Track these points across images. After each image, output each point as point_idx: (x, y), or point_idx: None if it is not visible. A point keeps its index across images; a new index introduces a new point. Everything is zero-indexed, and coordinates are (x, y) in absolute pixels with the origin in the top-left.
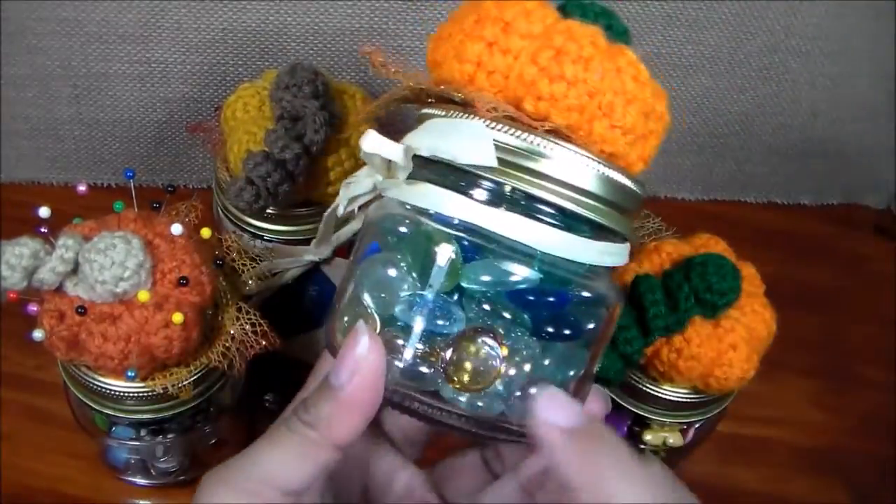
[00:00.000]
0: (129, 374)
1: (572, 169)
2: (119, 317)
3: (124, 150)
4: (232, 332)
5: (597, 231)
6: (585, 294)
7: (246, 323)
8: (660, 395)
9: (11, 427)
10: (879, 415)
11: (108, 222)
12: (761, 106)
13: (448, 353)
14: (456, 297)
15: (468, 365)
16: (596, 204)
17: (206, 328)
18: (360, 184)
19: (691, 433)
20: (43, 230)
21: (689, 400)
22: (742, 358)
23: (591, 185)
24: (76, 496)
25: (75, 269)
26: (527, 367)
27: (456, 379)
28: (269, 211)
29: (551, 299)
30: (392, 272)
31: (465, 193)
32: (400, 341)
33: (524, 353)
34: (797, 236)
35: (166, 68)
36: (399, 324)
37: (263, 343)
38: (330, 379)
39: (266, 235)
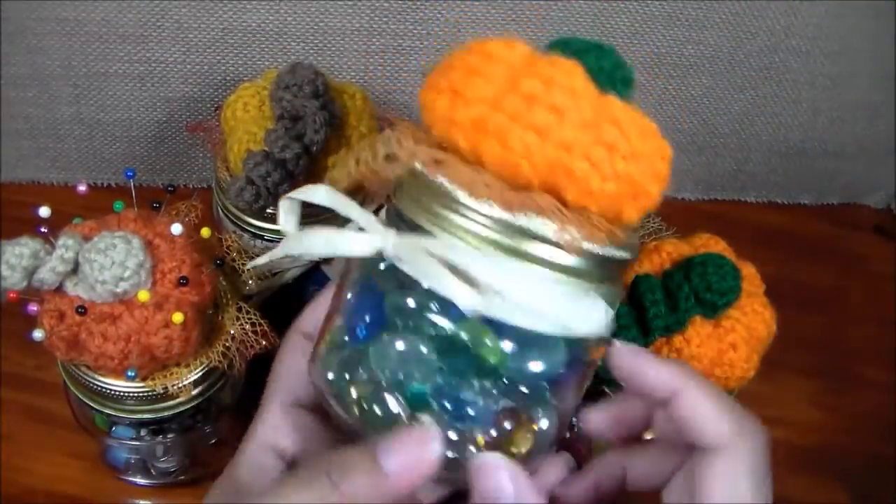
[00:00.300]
0: (129, 374)
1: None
2: (119, 317)
3: (124, 150)
4: (232, 332)
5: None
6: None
7: (246, 323)
8: None
9: (11, 427)
10: (879, 415)
11: (108, 222)
12: (761, 106)
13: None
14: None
15: (523, 444)
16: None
17: (206, 328)
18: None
19: None
20: (43, 230)
21: None
22: (742, 358)
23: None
24: (76, 496)
25: (75, 269)
26: (545, 425)
27: (514, 451)
28: (269, 211)
29: (561, 371)
30: (422, 368)
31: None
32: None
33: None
34: (797, 236)
35: (166, 68)
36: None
37: (263, 343)
38: (382, 459)
39: (266, 235)
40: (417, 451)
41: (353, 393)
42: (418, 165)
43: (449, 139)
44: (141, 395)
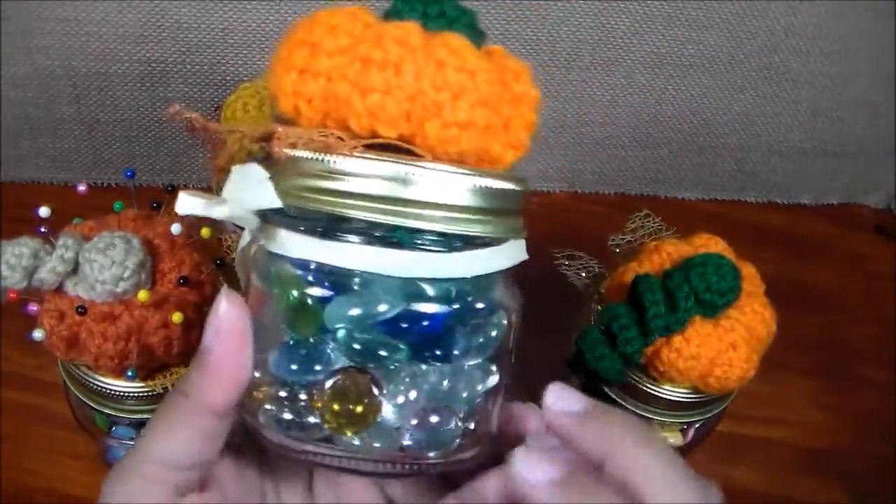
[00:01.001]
0: (129, 373)
1: (429, 186)
2: (119, 316)
3: (124, 150)
4: None
5: (474, 241)
6: (478, 305)
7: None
8: (660, 394)
9: (11, 427)
10: (879, 415)
11: (108, 222)
12: (761, 106)
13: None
14: (329, 341)
15: (336, 406)
16: (463, 216)
17: None
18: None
19: (691, 433)
20: (43, 230)
21: (689, 400)
22: (742, 358)
23: (450, 197)
24: (76, 496)
25: (75, 269)
26: (413, 395)
27: (329, 420)
28: None
29: (425, 322)
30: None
31: (330, 232)
32: (282, 393)
33: (407, 381)
34: (797, 236)
35: (166, 68)
36: (280, 378)
37: None
38: (200, 346)
39: None
40: (215, 315)
41: (319, 402)
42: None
43: (296, 112)
44: (141, 394)
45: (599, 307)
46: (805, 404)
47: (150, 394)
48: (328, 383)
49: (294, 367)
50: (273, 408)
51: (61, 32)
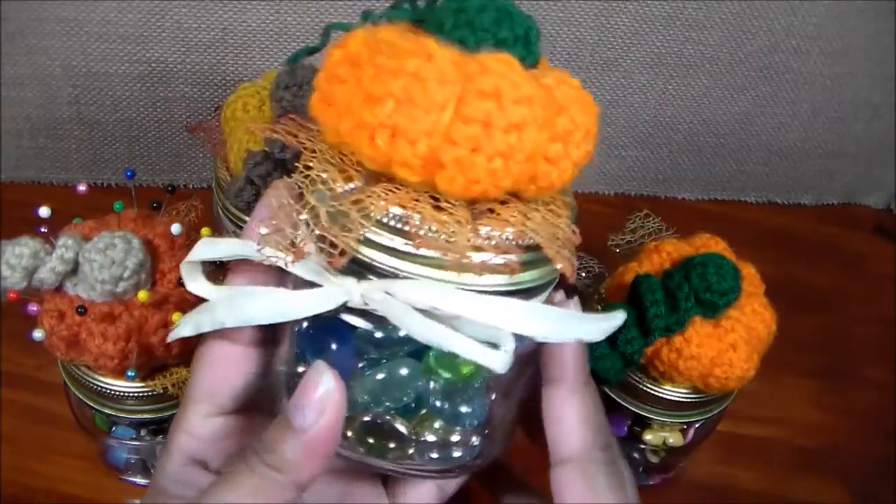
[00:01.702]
0: (129, 373)
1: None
2: (119, 316)
3: (124, 150)
4: None
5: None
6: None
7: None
8: (660, 394)
9: (11, 427)
10: (879, 415)
11: (108, 222)
12: (761, 106)
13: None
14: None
15: (370, 440)
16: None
17: None
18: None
19: (691, 433)
20: (43, 230)
21: (689, 400)
22: (742, 358)
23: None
24: (76, 496)
25: (75, 269)
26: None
27: (364, 451)
28: None
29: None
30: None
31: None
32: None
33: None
34: (797, 236)
35: (166, 68)
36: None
37: None
38: (292, 420)
39: None
40: (317, 394)
41: (350, 433)
42: (385, 220)
43: (390, 174)
44: (141, 395)
45: (599, 307)
46: (805, 404)
47: (150, 394)
48: (362, 419)
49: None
50: (360, 432)
51: (61, 32)
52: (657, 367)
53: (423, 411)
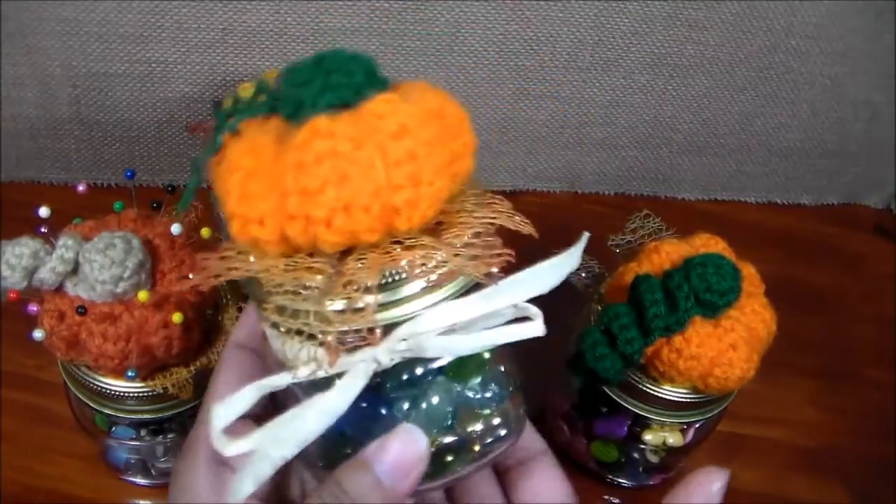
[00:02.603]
0: (129, 374)
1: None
2: (119, 317)
3: (124, 150)
4: None
5: None
6: None
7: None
8: (660, 394)
9: (11, 427)
10: (879, 415)
11: (108, 222)
12: (761, 106)
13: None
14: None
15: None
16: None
17: (206, 328)
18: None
19: (691, 433)
20: (43, 230)
21: (689, 400)
22: (742, 358)
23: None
24: (76, 496)
25: (75, 269)
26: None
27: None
28: None
29: None
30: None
31: None
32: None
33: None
34: (797, 236)
35: (166, 68)
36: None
37: None
38: (380, 475)
39: None
40: (411, 457)
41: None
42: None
43: (359, 244)
44: (141, 395)
45: (599, 307)
46: (805, 404)
47: (150, 394)
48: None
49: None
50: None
51: (61, 32)
52: (657, 367)
53: (461, 413)
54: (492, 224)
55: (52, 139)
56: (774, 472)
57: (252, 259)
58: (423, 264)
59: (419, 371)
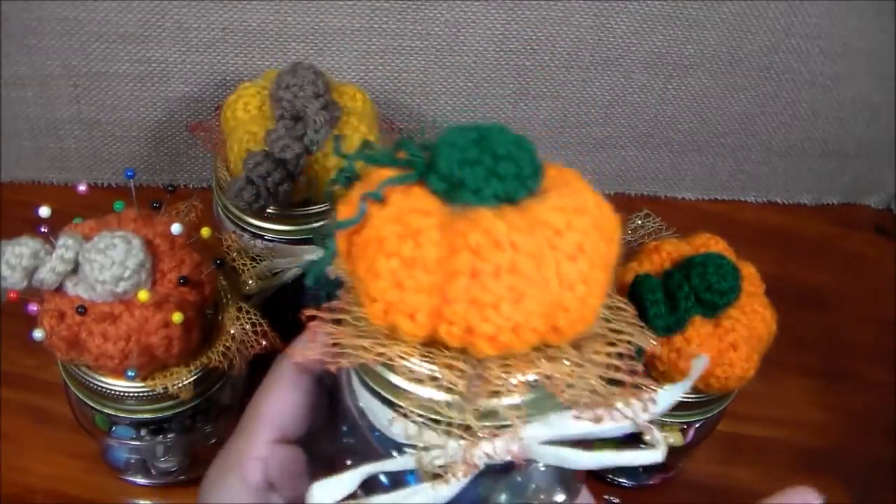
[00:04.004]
0: (129, 373)
1: None
2: (119, 316)
3: (124, 150)
4: (232, 331)
5: None
6: None
7: (246, 323)
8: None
9: (11, 427)
10: (879, 415)
11: (109, 222)
12: (761, 105)
13: None
14: None
15: None
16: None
17: (206, 328)
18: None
19: (691, 433)
20: (43, 230)
21: (689, 400)
22: (742, 358)
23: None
24: (76, 496)
25: (75, 269)
26: None
27: None
28: (269, 210)
29: None
30: None
31: None
32: None
33: None
34: (797, 236)
35: (167, 68)
36: None
37: (263, 343)
38: None
39: (266, 235)
40: None
41: None
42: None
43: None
44: (141, 395)
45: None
46: (805, 404)
47: (150, 394)
48: None
49: None
50: None
51: (61, 32)
52: (657, 366)
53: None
54: (629, 343)
55: (52, 139)
56: (774, 472)
57: (385, 343)
58: (570, 385)
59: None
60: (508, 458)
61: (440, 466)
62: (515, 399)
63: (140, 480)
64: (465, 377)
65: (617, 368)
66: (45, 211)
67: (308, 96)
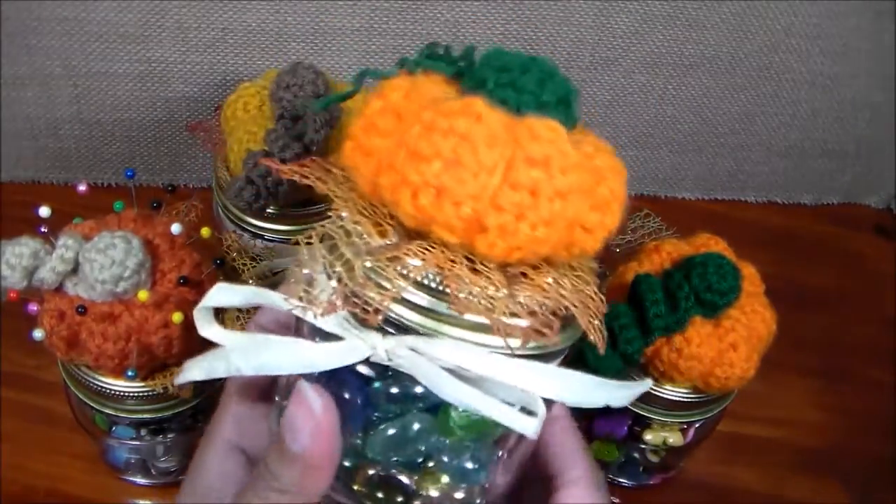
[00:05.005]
0: (129, 373)
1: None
2: (119, 316)
3: (124, 150)
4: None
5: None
6: None
7: (246, 322)
8: (660, 394)
9: (11, 427)
10: (879, 415)
11: (109, 222)
12: (761, 105)
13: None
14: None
15: (379, 495)
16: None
17: None
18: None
19: (691, 433)
20: (43, 230)
21: (689, 400)
22: (742, 357)
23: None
24: (76, 496)
25: (75, 269)
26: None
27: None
28: (269, 210)
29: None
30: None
31: None
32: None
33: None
34: (797, 236)
35: (167, 68)
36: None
37: None
38: (290, 447)
39: (266, 235)
40: (307, 415)
41: (356, 486)
42: (424, 280)
43: (428, 233)
44: (141, 394)
45: None
46: (805, 404)
47: (150, 394)
48: (369, 472)
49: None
50: (365, 489)
51: (61, 32)
52: (657, 366)
53: (431, 465)
54: (566, 308)
55: (52, 139)
56: (774, 472)
57: (341, 183)
58: (474, 295)
59: (417, 391)
60: (375, 339)
61: (305, 294)
62: (413, 293)
63: (140, 480)
64: (384, 234)
65: (531, 313)
66: (45, 211)
67: (308, 96)
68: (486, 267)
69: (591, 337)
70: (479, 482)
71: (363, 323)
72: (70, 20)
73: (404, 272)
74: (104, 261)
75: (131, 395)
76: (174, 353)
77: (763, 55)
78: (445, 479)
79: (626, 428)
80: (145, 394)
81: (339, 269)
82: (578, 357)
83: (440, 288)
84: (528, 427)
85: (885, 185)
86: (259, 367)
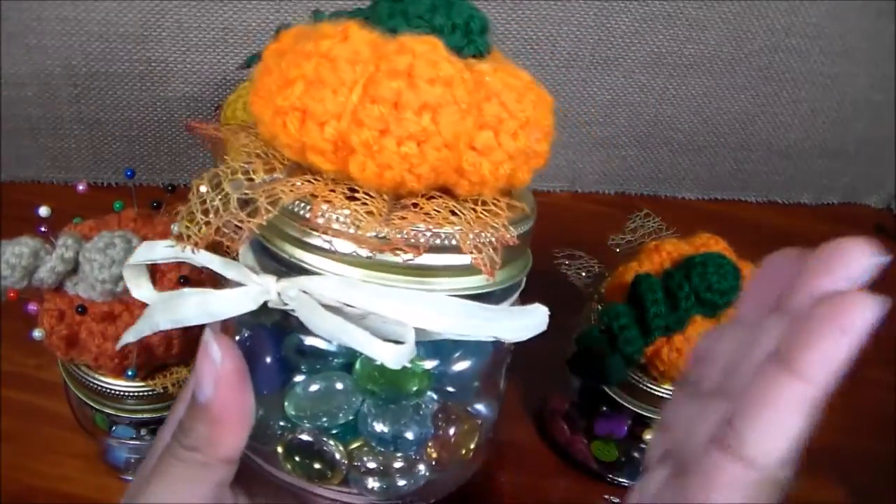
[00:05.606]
0: (129, 373)
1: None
2: (119, 316)
3: (124, 150)
4: None
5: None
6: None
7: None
8: (660, 394)
9: (12, 427)
10: (879, 414)
11: (108, 221)
12: (761, 105)
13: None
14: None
15: (296, 458)
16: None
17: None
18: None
19: None
20: (43, 229)
21: None
22: None
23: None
24: (76, 496)
25: (75, 269)
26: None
27: (293, 470)
28: None
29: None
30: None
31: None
32: (303, 436)
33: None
34: (797, 236)
35: (167, 68)
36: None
37: None
38: (196, 397)
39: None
40: (208, 363)
41: (279, 450)
42: (293, 207)
43: (308, 163)
44: (141, 394)
45: (599, 307)
46: None
47: (150, 394)
48: (292, 436)
49: (311, 409)
50: (287, 450)
51: (61, 32)
52: (657, 366)
53: (356, 434)
54: (450, 237)
55: (52, 138)
56: None
57: (246, 135)
58: (343, 218)
59: (330, 347)
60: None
61: (185, 230)
62: (292, 227)
63: None
64: (272, 172)
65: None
66: (45, 211)
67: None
68: (369, 196)
69: (473, 261)
70: (412, 450)
71: (265, 270)
72: (70, 20)
73: (274, 200)
74: (104, 260)
75: (131, 395)
76: (174, 353)
77: (763, 55)
78: (377, 448)
79: (626, 428)
80: (145, 394)
81: (216, 202)
82: (578, 358)
83: (306, 214)
84: (387, 355)
85: (885, 185)
86: (175, 321)
